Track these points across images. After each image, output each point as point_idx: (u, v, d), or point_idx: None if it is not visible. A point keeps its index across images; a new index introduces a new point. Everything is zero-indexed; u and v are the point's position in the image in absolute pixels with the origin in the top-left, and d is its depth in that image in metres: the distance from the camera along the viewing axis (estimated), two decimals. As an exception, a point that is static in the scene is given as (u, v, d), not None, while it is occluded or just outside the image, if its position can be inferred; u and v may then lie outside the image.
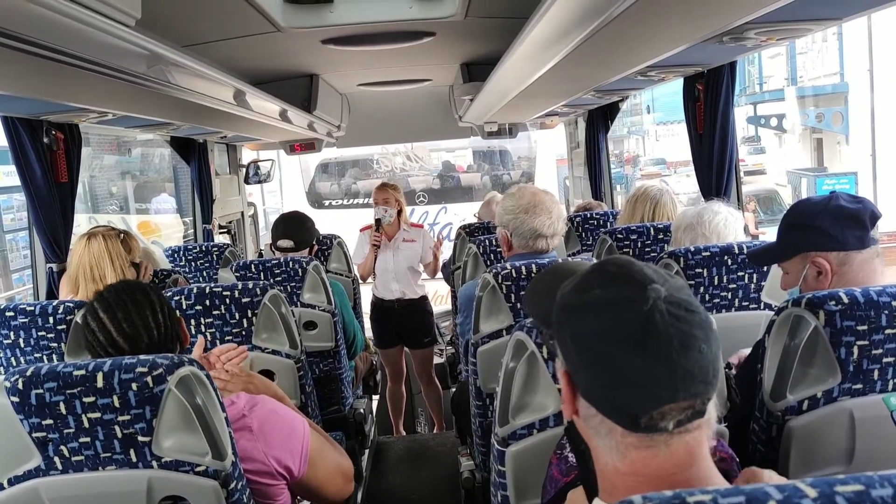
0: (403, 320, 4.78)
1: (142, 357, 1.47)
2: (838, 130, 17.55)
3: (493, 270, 2.38)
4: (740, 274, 2.39)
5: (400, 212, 4.70)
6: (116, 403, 1.43)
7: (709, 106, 2.99)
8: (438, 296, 7.15)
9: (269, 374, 2.45)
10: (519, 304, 2.39)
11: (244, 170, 5.89)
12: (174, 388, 1.45)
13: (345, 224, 6.83)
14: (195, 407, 1.46)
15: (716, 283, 2.40)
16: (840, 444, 1.56)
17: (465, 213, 8.27)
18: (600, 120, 5.03)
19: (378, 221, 4.60)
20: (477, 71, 4.24)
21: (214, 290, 2.39)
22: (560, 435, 1.48)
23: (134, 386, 1.43)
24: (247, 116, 3.14)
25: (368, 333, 4.86)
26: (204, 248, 4.11)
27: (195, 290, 2.39)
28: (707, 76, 2.99)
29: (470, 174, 9.15)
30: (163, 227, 11.78)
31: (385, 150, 9.17)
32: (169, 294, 2.45)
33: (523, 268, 2.37)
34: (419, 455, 4.66)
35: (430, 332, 4.91)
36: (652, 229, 3.20)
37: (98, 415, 1.43)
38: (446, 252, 4.93)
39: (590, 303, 0.93)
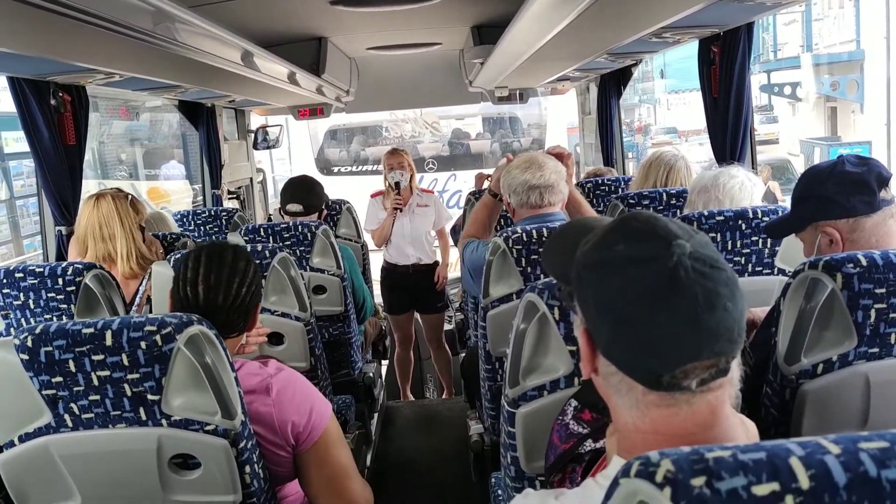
0: (418, 285, 4.78)
1: (150, 315, 1.46)
2: (853, 99, 17.31)
3: (504, 234, 2.36)
4: (754, 239, 2.36)
5: (411, 177, 4.68)
6: (125, 362, 1.43)
7: (724, 69, 2.93)
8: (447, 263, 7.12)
9: (278, 337, 2.44)
10: (529, 269, 2.37)
11: (253, 135, 5.86)
12: (183, 346, 1.44)
13: (354, 191, 6.80)
14: (204, 366, 1.46)
15: (729, 247, 2.37)
16: (854, 408, 1.55)
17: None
18: (612, 85, 4.96)
19: (397, 185, 4.57)
20: (488, 34, 4.17)
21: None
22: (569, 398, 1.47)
23: (143, 344, 1.42)
24: (255, 78, 3.10)
25: (377, 299, 4.86)
26: (213, 213, 4.10)
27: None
28: (723, 38, 2.93)
29: (480, 141, 9.06)
30: (172, 194, 11.78)
31: (394, 115, 9.09)
32: (178, 256, 2.44)
33: (534, 231, 2.34)
34: (428, 420, 4.69)
35: (442, 297, 4.92)
36: (665, 194, 3.16)
37: (107, 373, 1.43)
38: (455, 216, 4.91)
39: (612, 259, 0.90)
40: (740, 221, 2.35)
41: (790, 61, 19.04)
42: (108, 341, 1.42)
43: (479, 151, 8.84)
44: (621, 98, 5.06)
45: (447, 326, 5.15)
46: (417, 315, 5.06)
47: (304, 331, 2.45)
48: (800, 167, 16.77)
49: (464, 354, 3.71)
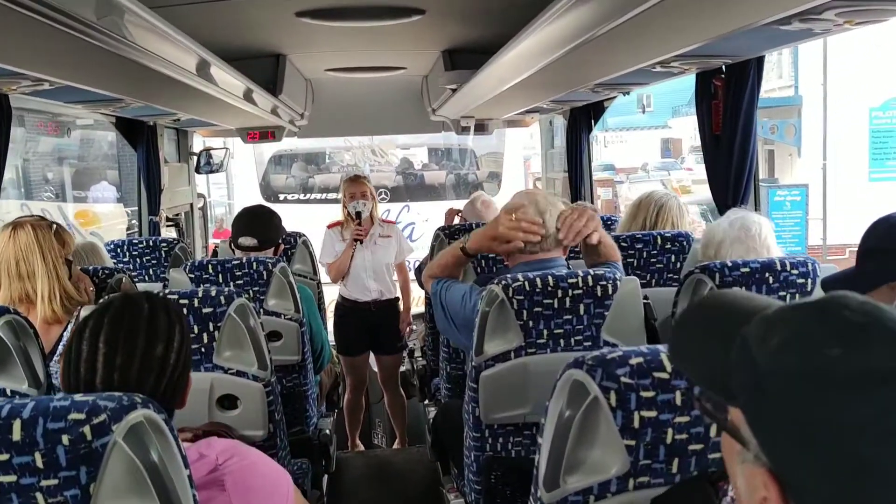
0: (377, 323, 4.43)
1: (77, 398, 1.08)
2: (791, 143, 17.72)
3: (503, 282, 2.04)
4: (782, 294, 2.10)
5: (373, 206, 4.36)
6: (39, 463, 1.04)
7: (730, 104, 2.69)
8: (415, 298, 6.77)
9: (231, 399, 2.05)
10: (531, 323, 2.05)
11: (196, 158, 5.42)
12: (121, 440, 1.06)
13: (302, 220, 6.40)
14: (150, 466, 1.08)
15: (754, 303, 2.10)
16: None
17: (430, 212, 7.88)
18: (583, 119, 4.74)
19: (359, 214, 4.23)
20: (461, 59, 3.88)
21: (170, 297, 1.98)
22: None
23: (65, 439, 1.04)
24: (209, 93, 2.72)
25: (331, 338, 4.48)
26: (151, 244, 3.66)
27: (146, 297, 1.98)
28: (729, 71, 2.70)
29: (434, 172, 8.75)
30: (105, 218, 11.08)
31: (349, 141, 8.72)
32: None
33: (538, 280, 2.03)
34: (381, 473, 4.30)
35: (402, 337, 4.58)
36: (658, 238, 2.91)
37: (13, 478, 1.04)
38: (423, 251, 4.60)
39: (832, 371, 0.59)
40: (767, 274, 2.09)
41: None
42: (16, 435, 1.03)
43: (432, 182, 8.54)
44: (592, 131, 4.84)
45: (402, 367, 4.79)
46: (371, 356, 4.70)
47: (262, 392, 2.06)
48: (739, 208, 16.99)
49: (433, 410, 3.34)
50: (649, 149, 29.79)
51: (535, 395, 2.07)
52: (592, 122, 4.77)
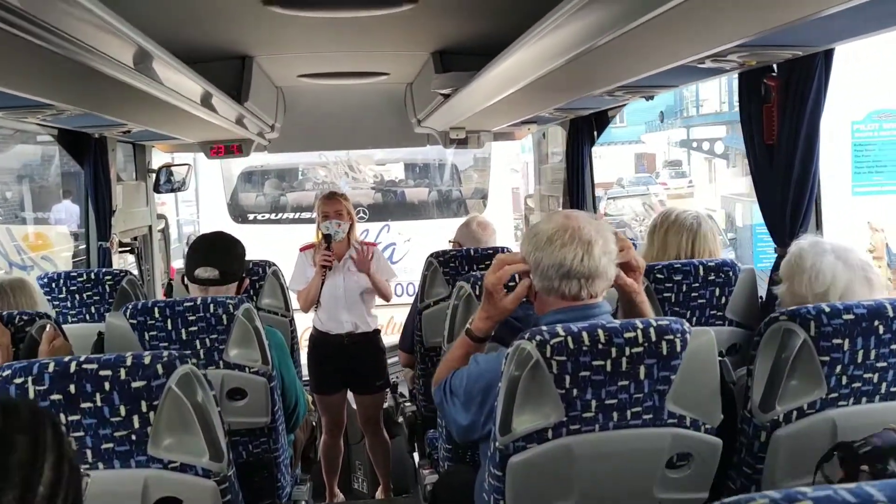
0: (353, 359, 3.94)
1: None
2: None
3: (538, 336, 1.54)
4: (893, 347, 1.63)
5: (351, 227, 3.85)
6: None
7: (790, 108, 2.23)
8: (394, 324, 6.24)
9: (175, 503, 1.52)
10: (576, 391, 1.55)
11: (154, 175, 4.88)
12: None
13: (272, 243, 5.87)
14: None
15: (859, 360, 1.63)
16: None
17: (412, 232, 7.38)
18: (585, 130, 4.29)
19: (328, 237, 3.73)
20: (454, 61, 3.40)
21: (85, 367, 1.45)
22: None
23: None
24: (160, 97, 2.20)
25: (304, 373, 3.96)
26: (94, 276, 3.11)
27: (51, 368, 1.44)
28: (788, 67, 2.24)
29: (415, 189, 8.24)
30: (59, 241, 10.45)
31: (324, 156, 8.18)
32: (17, 368, 1.49)
33: (584, 335, 1.53)
34: (365, 531, 3.77)
35: (382, 374, 4.09)
36: (700, 268, 2.44)
37: None
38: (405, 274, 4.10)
39: None
40: (876, 322, 1.62)
41: (712, 117, 19.23)
42: None
43: (413, 200, 8.02)
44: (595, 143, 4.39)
45: (385, 404, 4.28)
46: (349, 394, 4.19)
47: (216, 492, 1.53)
48: (721, 222, 16.80)
49: (428, 472, 2.82)
50: (623, 164, 29.77)
51: (580, 485, 1.58)
52: (595, 133, 4.33)
